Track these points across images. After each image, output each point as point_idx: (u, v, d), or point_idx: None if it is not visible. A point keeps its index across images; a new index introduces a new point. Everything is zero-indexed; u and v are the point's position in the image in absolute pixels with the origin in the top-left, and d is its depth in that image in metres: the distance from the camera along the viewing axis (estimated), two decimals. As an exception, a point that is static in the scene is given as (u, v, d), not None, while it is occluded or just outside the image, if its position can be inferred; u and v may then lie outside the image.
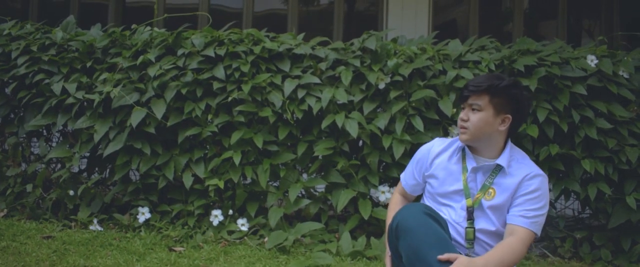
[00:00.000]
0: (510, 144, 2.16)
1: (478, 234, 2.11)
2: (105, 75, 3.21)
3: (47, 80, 3.26)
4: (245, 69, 3.17)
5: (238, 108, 3.14)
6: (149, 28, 3.39)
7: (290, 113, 3.15)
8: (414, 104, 3.15)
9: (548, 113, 3.16)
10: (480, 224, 2.11)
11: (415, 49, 3.34)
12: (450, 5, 6.03)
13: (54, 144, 3.47)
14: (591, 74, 3.24)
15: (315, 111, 3.12)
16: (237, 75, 3.19)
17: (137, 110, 3.08)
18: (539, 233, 2.04)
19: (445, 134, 3.18)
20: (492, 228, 2.10)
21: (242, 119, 3.14)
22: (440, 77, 3.24)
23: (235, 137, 3.10)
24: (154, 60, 3.22)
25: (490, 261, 1.89)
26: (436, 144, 2.29)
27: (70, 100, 3.18)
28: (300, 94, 3.18)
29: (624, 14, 5.87)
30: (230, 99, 3.14)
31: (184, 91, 3.14)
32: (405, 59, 3.30)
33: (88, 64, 3.28)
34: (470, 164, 2.15)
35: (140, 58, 3.21)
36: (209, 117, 3.17)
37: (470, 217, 2.12)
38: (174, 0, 5.73)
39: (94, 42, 3.35)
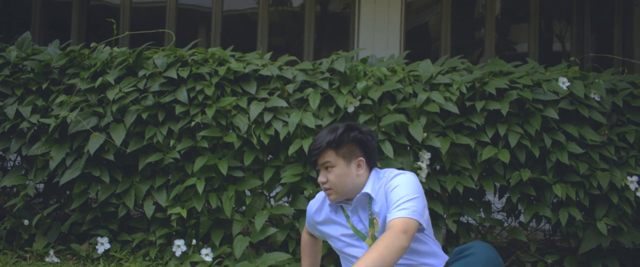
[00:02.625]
0: (374, 172, 2.17)
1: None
2: (62, 97, 3.06)
3: (0, 103, 3.10)
4: (210, 92, 3.05)
5: (202, 133, 3.03)
6: (108, 48, 3.24)
7: (256, 138, 3.05)
8: (383, 129, 3.07)
9: (519, 137, 3.11)
10: None
11: (386, 70, 3.26)
12: (423, 8, 5.97)
13: (8, 168, 3.31)
14: (563, 97, 3.20)
15: (282, 136, 3.02)
16: (200, 98, 3.07)
17: (95, 137, 2.94)
18: (416, 217, 1.95)
19: (416, 159, 3.11)
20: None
21: (205, 144, 3.02)
22: (411, 100, 3.16)
23: (199, 163, 2.98)
24: (113, 82, 3.08)
25: (365, 261, 1.83)
26: (312, 208, 2.33)
27: (24, 124, 3.03)
28: (267, 117, 3.07)
29: (594, 16, 5.88)
30: (193, 123, 3.02)
31: (144, 115, 3.01)
32: (375, 80, 3.21)
33: (44, 86, 3.13)
34: (347, 208, 2.18)
35: (99, 80, 3.07)
36: (171, 142, 3.04)
37: None
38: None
39: (50, 61, 3.20)
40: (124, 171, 3.09)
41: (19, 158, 3.24)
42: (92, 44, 3.33)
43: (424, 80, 3.23)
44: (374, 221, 2.11)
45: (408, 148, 3.11)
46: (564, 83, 3.22)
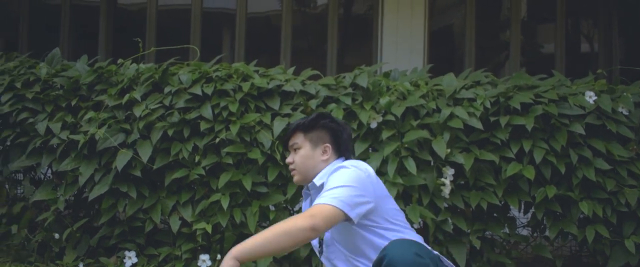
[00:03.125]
0: (336, 161, 2.18)
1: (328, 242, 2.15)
2: (90, 114, 3.13)
3: (31, 120, 3.18)
4: (234, 108, 3.09)
5: (226, 149, 3.07)
6: (134, 64, 3.30)
7: (280, 154, 3.07)
8: (406, 145, 3.07)
9: (545, 153, 3.08)
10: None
11: (408, 85, 3.25)
12: (447, 8, 5.91)
13: (41, 180, 3.40)
14: (589, 112, 3.15)
15: None
16: (225, 114, 3.11)
17: (123, 154, 3.00)
18: (333, 204, 1.87)
19: (439, 175, 3.10)
20: (334, 235, 2.11)
21: (230, 160, 3.06)
22: (434, 116, 3.15)
23: (224, 180, 3.02)
24: (139, 99, 3.14)
25: (254, 237, 1.79)
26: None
27: (54, 140, 3.11)
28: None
29: (622, 20, 5.77)
30: (218, 140, 3.06)
31: (170, 132, 3.06)
32: (398, 95, 3.21)
33: (73, 102, 3.20)
34: (305, 194, 2.25)
35: (126, 97, 3.14)
36: (197, 158, 3.09)
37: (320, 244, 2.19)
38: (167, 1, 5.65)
39: (79, 78, 3.27)
40: (151, 186, 3.14)
41: (49, 173, 3.32)
42: (119, 60, 3.40)
43: (447, 95, 3.22)
44: None
45: (431, 164, 3.10)
46: (590, 97, 3.17)
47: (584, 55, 6.17)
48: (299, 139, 2.18)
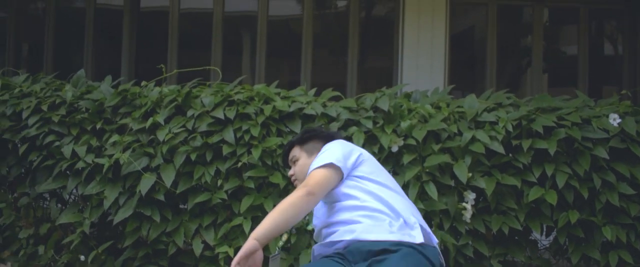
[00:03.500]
0: None
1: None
2: (115, 137, 3.18)
3: (57, 143, 3.24)
4: (256, 132, 3.12)
5: (248, 174, 3.09)
6: (157, 87, 3.34)
7: (301, 178, 3.09)
8: (428, 170, 3.07)
9: (567, 178, 3.06)
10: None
11: (430, 108, 3.25)
12: (468, 11, 5.87)
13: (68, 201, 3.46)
14: (614, 135, 3.12)
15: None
16: (247, 138, 3.14)
17: (146, 178, 3.05)
18: (324, 164, 2.09)
19: (461, 199, 3.09)
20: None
21: (252, 184, 3.09)
22: (456, 139, 3.14)
23: (246, 204, 3.05)
24: (163, 122, 3.18)
25: (264, 222, 1.97)
26: None
27: (80, 164, 3.16)
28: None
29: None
30: (240, 164, 3.09)
31: (193, 156, 3.10)
32: (420, 118, 3.21)
33: (98, 126, 3.25)
34: None
35: (150, 120, 3.18)
36: (219, 182, 3.12)
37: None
38: (189, 4, 5.71)
39: (103, 100, 3.32)
40: (174, 209, 3.18)
41: (75, 195, 3.38)
42: (143, 83, 3.45)
43: (469, 118, 3.21)
44: None
45: (452, 189, 3.10)
46: (614, 120, 3.14)
47: (608, 59, 6.09)
48: (296, 152, 2.34)
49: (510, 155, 3.13)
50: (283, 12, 5.80)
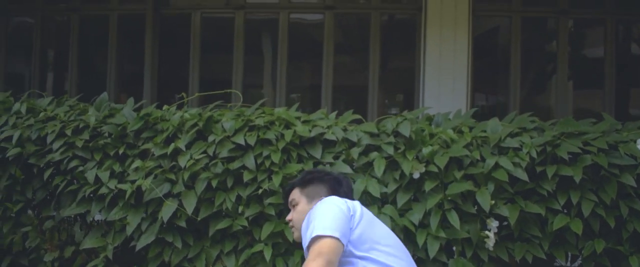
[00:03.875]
0: None
1: None
2: (137, 163, 3.21)
3: (81, 168, 3.28)
4: (276, 158, 3.11)
5: (268, 200, 3.09)
6: (179, 112, 3.37)
7: (322, 204, 3.08)
8: (450, 197, 3.03)
9: (593, 206, 3.00)
10: None
11: (452, 133, 3.22)
12: (492, 15, 5.79)
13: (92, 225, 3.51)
14: (641, 162, 3.05)
15: (347, 204, 3.04)
16: (267, 164, 3.14)
17: (168, 205, 3.07)
18: (318, 233, 1.96)
19: (483, 227, 3.05)
20: None
21: (272, 211, 3.09)
22: (478, 166, 3.10)
23: (267, 230, 3.05)
24: (184, 148, 3.20)
25: None
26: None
27: (103, 189, 3.20)
28: (333, 183, 3.10)
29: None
30: (260, 191, 3.09)
31: (214, 183, 3.11)
32: (441, 143, 3.18)
33: (120, 151, 3.28)
34: None
35: (171, 146, 3.20)
36: (240, 208, 3.13)
37: None
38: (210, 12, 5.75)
39: (126, 125, 3.36)
40: (195, 234, 3.20)
41: (98, 220, 3.42)
42: (165, 107, 3.47)
43: (492, 144, 3.16)
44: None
45: (475, 216, 3.06)
46: (642, 145, 3.07)
47: (635, 57, 5.97)
48: (296, 195, 2.27)
49: (535, 182, 3.08)
50: (305, 17, 5.81)
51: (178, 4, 5.76)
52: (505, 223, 3.09)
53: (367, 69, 5.50)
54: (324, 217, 2.01)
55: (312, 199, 2.20)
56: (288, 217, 2.29)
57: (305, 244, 2.04)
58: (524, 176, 3.02)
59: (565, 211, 3.08)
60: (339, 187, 2.25)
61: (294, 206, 2.26)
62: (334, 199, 2.11)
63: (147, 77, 5.58)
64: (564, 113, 5.36)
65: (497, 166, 3.05)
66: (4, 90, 3.98)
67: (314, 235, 1.94)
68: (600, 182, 3.05)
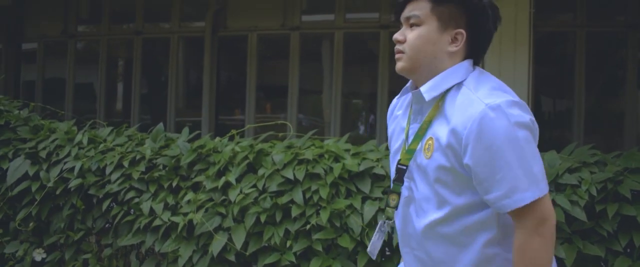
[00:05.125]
0: (476, 72, 1.55)
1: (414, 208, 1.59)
2: (189, 196, 3.29)
3: (137, 199, 3.39)
4: (324, 193, 3.11)
5: (316, 236, 3.09)
6: (231, 144, 3.42)
7: (369, 240, 3.05)
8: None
9: (659, 247, 2.83)
10: (420, 190, 1.56)
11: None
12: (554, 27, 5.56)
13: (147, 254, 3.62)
14: None
15: (395, 241, 3.00)
16: (316, 198, 3.14)
17: (218, 240, 3.12)
18: (546, 190, 1.45)
19: None
20: (437, 212, 1.54)
21: (320, 247, 3.08)
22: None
23: (314, 266, 3.05)
24: (234, 182, 3.24)
25: None
26: (395, 100, 1.77)
27: (157, 221, 3.29)
28: (381, 219, 3.06)
29: None
30: (309, 227, 3.10)
31: (263, 218, 3.14)
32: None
33: (174, 184, 3.37)
34: (415, 109, 1.59)
35: (222, 180, 3.25)
36: (288, 243, 3.14)
37: (399, 179, 1.60)
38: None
39: (180, 157, 3.44)
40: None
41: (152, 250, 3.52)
42: (217, 139, 3.54)
43: (549, 180, 3.03)
44: (429, 142, 1.53)
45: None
46: None
47: None
48: (422, 10, 1.51)
49: (594, 221, 2.93)
50: (360, 28, 5.78)
51: (234, 26, 5.87)
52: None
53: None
54: (535, 159, 1.42)
55: (446, 26, 1.51)
56: (397, 36, 1.55)
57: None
58: (582, 216, 2.88)
59: (629, 252, 2.91)
60: (485, 22, 1.54)
61: (412, 25, 1.53)
62: (525, 120, 1.41)
63: (205, 94, 5.72)
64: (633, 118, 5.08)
65: (553, 203, 2.92)
66: (71, 118, 4.17)
67: (534, 195, 1.40)
68: (666, 222, 2.87)
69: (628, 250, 2.92)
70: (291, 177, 3.18)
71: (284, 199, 3.17)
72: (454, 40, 1.53)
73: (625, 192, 2.88)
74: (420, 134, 1.55)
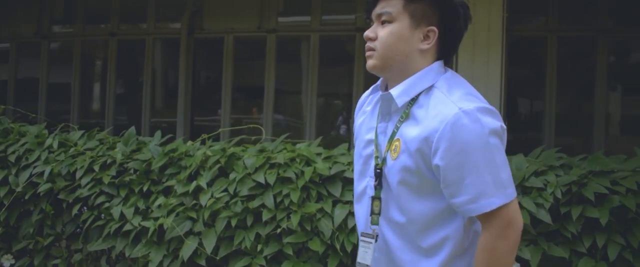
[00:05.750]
0: (448, 73, 1.54)
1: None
2: (160, 200, 3.29)
3: (107, 204, 3.38)
4: (295, 197, 3.13)
5: (287, 240, 3.11)
6: (203, 148, 3.42)
7: (340, 244, 3.08)
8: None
9: (620, 249, 2.89)
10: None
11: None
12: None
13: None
14: (674, 202, 2.92)
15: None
16: (286, 202, 3.16)
17: (188, 245, 3.12)
18: (513, 195, 1.47)
19: None
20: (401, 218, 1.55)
21: (290, 251, 3.10)
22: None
23: (284, 269, 3.08)
24: (205, 186, 3.25)
25: None
26: (365, 95, 1.74)
27: (128, 226, 3.28)
28: (351, 222, 3.09)
29: None
30: (279, 230, 3.12)
31: (234, 222, 3.15)
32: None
33: (145, 188, 3.36)
34: (383, 108, 1.58)
35: (193, 184, 3.26)
36: (259, 247, 3.15)
37: (379, 183, 1.56)
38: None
39: (151, 161, 3.44)
40: (216, 271, 3.25)
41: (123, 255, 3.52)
42: (189, 143, 3.54)
43: (516, 183, 3.07)
44: (396, 143, 1.53)
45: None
46: (676, 185, 2.94)
47: None
48: (394, 7, 1.50)
49: (559, 223, 2.99)
50: (336, 32, 5.80)
51: (210, 28, 5.86)
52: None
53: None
54: (504, 166, 1.45)
55: (418, 24, 1.50)
56: (368, 33, 1.54)
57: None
58: (547, 218, 2.94)
59: (593, 253, 2.98)
60: (456, 20, 1.53)
61: (383, 23, 1.51)
62: (496, 127, 1.43)
63: (181, 96, 5.70)
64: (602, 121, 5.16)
65: (519, 206, 2.97)
66: (44, 120, 4.14)
67: (502, 200, 1.43)
68: (628, 224, 2.94)
69: (593, 251, 2.98)
70: (262, 181, 3.19)
71: (255, 203, 3.18)
72: (426, 37, 1.53)
73: (589, 194, 2.94)
74: (389, 136, 1.56)
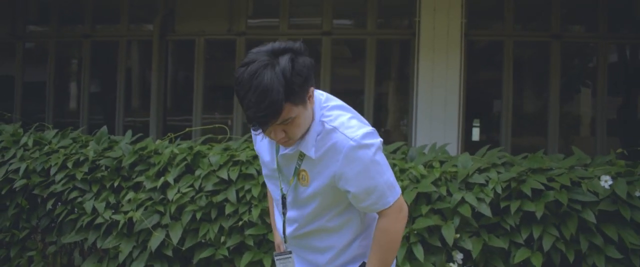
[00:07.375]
0: (315, 104, 1.82)
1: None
2: (130, 195, 3.48)
3: (80, 199, 3.56)
4: (256, 192, 3.34)
5: (248, 232, 3.33)
6: (171, 146, 3.62)
7: None
8: (416, 231, 3.22)
9: (554, 240, 3.15)
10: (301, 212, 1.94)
11: (422, 169, 3.40)
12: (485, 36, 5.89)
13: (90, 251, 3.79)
14: (604, 197, 3.18)
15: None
16: (248, 197, 3.37)
17: (156, 237, 3.32)
18: (399, 190, 1.88)
19: (449, 259, 3.24)
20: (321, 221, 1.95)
21: (251, 242, 3.32)
22: (446, 200, 3.28)
23: (246, 259, 3.28)
24: (172, 182, 3.45)
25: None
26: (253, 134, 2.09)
27: (99, 219, 3.47)
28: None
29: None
30: (241, 223, 3.33)
31: (198, 215, 3.35)
32: (412, 179, 3.37)
33: (116, 184, 3.55)
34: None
35: (161, 180, 3.46)
36: (222, 238, 3.37)
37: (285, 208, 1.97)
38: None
39: (122, 158, 3.62)
40: (182, 261, 3.46)
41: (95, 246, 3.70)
42: (158, 141, 3.73)
43: (459, 179, 3.34)
44: (303, 174, 1.85)
45: (440, 250, 3.24)
46: (606, 181, 3.18)
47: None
48: (292, 110, 1.65)
49: (499, 216, 3.25)
50: (302, 34, 6.01)
51: (182, 30, 6.04)
52: (470, 258, 3.26)
53: (362, 94, 5.70)
54: (388, 171, 1.85)
55: (303, 99, 1.69)
56: (280, 138, 1.72)
57: (371, 201, 1.84)
58: (487, 212, 3.19)
59: (530, 244, 3.24)
60: (306, 72, 1.69)
61: (288, 123, 1.68)
62: (378, 144, 1.80)
63: (153, 96, 5.86)
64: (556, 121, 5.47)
65: (462, 201, 3.23)
66: (19, 119, 4.28)
67: (393, 195, 1.85)
68: (562, 217, 3.20)
69: (530, 242, 3.24)
70: (226, 177, 3.40)
71: (218, 198, 3.40)
72: (310, 97, 1.76)
73: (526, 190, 3.20)
74: (296, 171, 1.87)
